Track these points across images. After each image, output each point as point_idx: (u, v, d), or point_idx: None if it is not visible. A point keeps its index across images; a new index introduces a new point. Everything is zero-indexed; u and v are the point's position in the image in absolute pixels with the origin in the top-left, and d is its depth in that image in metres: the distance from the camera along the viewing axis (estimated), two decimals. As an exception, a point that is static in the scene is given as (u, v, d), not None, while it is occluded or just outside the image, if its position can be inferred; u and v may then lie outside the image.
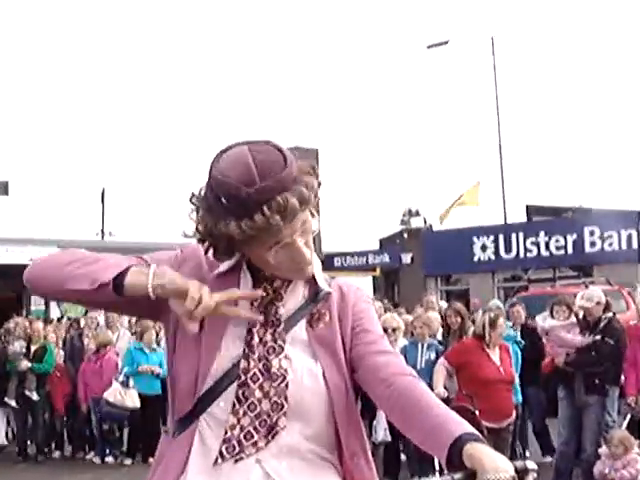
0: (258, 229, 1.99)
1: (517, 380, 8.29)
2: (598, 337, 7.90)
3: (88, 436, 12.29)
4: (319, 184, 2.12)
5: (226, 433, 2.09)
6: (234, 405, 2.10)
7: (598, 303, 8.10)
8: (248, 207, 1.97)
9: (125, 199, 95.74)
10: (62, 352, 12.71)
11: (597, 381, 7.81)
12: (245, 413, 2.10)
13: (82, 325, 13.84)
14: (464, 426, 1.95)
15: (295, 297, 2.23)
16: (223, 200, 1.99)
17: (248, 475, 2.07)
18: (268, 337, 2.15)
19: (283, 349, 2.14)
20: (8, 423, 13.03)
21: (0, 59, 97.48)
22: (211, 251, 2.13)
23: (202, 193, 2.08)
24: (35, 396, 12.15)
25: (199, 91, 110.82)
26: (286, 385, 2.10)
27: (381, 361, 2.15)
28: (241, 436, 2.09)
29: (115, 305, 2.22)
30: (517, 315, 10.29)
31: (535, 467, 1.94)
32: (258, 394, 2.10)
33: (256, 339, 2.14)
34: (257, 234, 2.00)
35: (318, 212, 2.15)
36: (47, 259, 2.18)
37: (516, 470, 1.87)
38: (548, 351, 8.48)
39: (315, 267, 2.21)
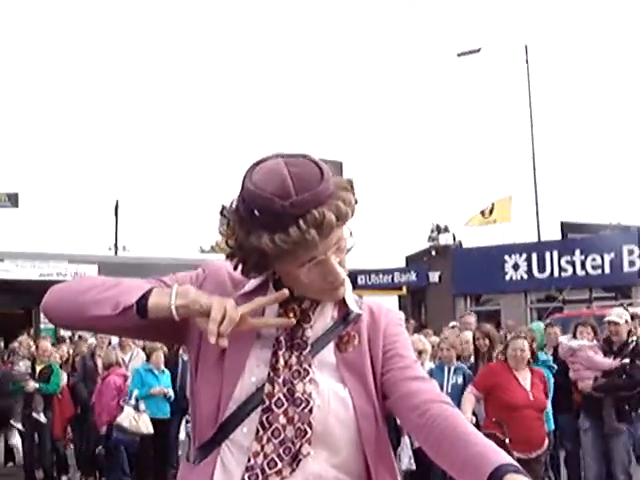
0: (292, 243, 1.97)
1: (549, 407, 8.23)
2: (627, 360, 7.83)
3: (96, 461, 12.30)
4: (356, 201, 2.10)
5: (249, 461, 2.06)
6: (258, 431, 2.07)
7: (626, 322, 8.07)
8: (283, 220, 1.96)
9: (139, 213, 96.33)
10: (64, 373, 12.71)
11: (627, 407, 7.73)
12: (269, 440, 2.06)
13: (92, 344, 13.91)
14: (504, 456, 1.90)
15: (324, 319, 2.21)
16: (256, 213, 1.98)
17: None
18: (294, 360, 2.12)
19: (309, 373, 2.11)
20: (6, 444, 13.02)
21: (11, 68, 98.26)
22: (240, 267, 2.11)
23: (234, 206, 2.07)
24: (43, 418, 12.14)
25: (218, 103, 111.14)
26: (310, 410, 2.07)
27: (414, 387, 2.12)
28: (264, 464, 2.05)
29: (139, 329, 2.18)
30: (554, 337, 10.12)
31: None
32: (282, 420, 2.07)
33: (281, 362, 2.11)
34: (291, 249, 1.98)
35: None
36: (64, 287, 2.20)
37: None
38: (572, 376, 8.33)
39: (346, 288, 2.19)
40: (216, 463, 2.11)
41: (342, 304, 2.22)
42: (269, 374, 2.10)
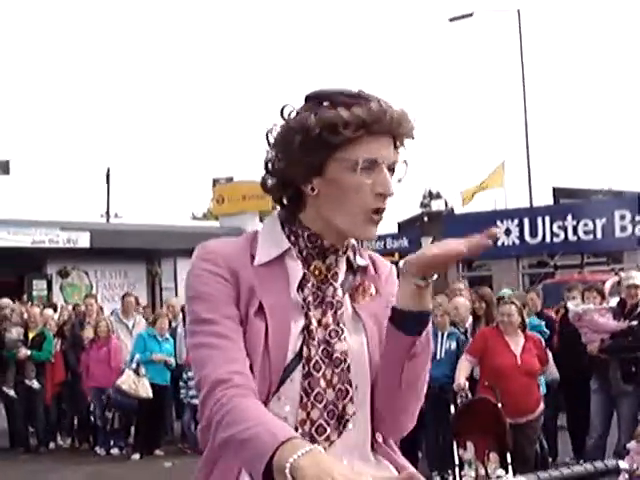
0: (370, 115, 1.95)
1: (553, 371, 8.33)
2: (635, 322, 7.86)
3: (92, 427, 12.36)
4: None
5: (297, 429, 1.97)
6: (302, 398, 2.01)
7: None
8: (360, 98, 1.99)
9: (131, 179, 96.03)
10: (58, 340, 12.74)
11: (634, 369, 7.76)
12: (313, 405, 2.00)
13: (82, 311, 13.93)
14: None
15: (341, 272, 2.15)
16: (325, 103, 1.99)
17: None
18: (330, 319, 2.06)
19: (344, 331, 2.06)
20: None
21: (2, 35, 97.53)
22: (277, 186, 2.12)
23: (292, 115, 2.05)
24: (36, 384, 12.20)
25: (212, 69, 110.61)
26: (348, 369, 2.03)
27: None
28: (313, 431, 2.00)
29: None
30: (532, 303, 10.15)
31: (626, 467, 1.94)
32: (322, 383, 2.01)
33: (314, 323, 2.04)
34: (364, 124, 1.95)
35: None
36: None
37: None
38: (583, 340, 8.36)
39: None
40: None
41: (354, 255, 2.19)
42: (304, 338, 2.03)
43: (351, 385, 2.03)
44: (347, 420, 2.02)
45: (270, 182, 2.13)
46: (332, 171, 2.00)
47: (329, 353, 2.03)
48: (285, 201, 2.14)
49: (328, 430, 2.00)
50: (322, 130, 1.96)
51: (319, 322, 2.05)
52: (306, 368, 2.01)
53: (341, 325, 2.06)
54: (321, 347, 2.03)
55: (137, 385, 11.21)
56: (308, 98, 2.04)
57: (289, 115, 2.05)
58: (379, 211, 2.03)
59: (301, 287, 2.08)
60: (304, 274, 2.09)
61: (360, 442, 2.07)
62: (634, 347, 7.75)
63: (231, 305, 2.04)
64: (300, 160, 2.00)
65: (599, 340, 7.96)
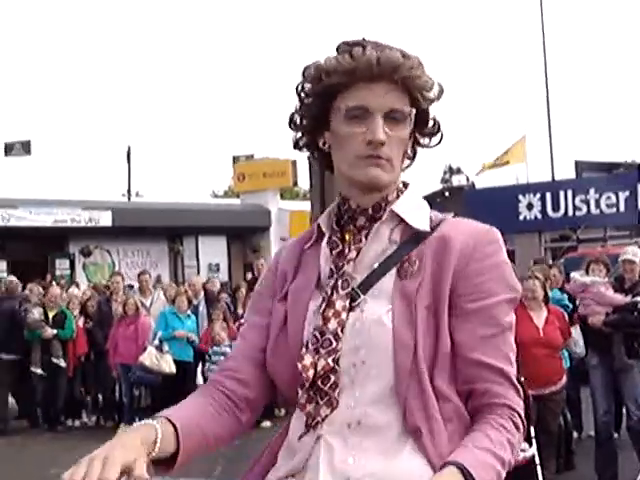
0: (348, 62, 1.90)
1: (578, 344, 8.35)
2: (639, 298, 7.82)
3: (117, 404, 12.45)
4: (437, 126, 2.06)
5: (300, 410, 1.96)
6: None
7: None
8: (353, 44, 1.94)
9: (152, 158, 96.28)
10: (82, 317, 12.92)
11: (636, 344, 7.75)
12: (303, 384, 1.93)
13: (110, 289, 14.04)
14: (463, 457, 1.76)
15: (380, 240, 1.98)
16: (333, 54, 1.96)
17: (311, 450, 1.92)
18: (342, 293, 1.95)
19: (350, 307, 1.93)
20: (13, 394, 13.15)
21: (23, 13, 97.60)
22: (298, 134, 2.07)
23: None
24: (63, 363, 12.33)
25: (235, 45, 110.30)
26: (334, 351, 1.90)
27: (476, 376, 1.90)
28: (312, 411, 1.93)
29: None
30: (553, 279, 10.14)
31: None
32: (308, 362, 1.92)
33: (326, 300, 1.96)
34: (346, 72, 1.91)
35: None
36: None
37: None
38: (581, 311, 8.33)
39: (406, 199, 2.02)
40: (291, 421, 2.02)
41: (406, 224, 1.98)
42: (322, 310, 1.95)
43: (334, 372, 1.90)
44: (329, 398, 1.90)
45: (299, 139, 2.09)
46: (333, 123, 1.98)
47: (322, 333, 1.92)
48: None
49: (318, 408, 1.91)
50: (312, 81, 1.97)
51: (329, 299, 1.95)
52: (305, 349, 1.94)
53: (346, 302, 1.94)
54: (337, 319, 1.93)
55: (159, 361, 11.34)
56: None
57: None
58: (372, 157, 1.93)
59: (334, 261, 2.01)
60: (331, 244, 2.02)
61: (354, 421, 1.90)
62: (639, 323, 7.74)
63: (266, 299, 2.10)
64: (309, 113, 2.02)
65: (604, 313, 7.91)
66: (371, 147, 1.92)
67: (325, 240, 2.03)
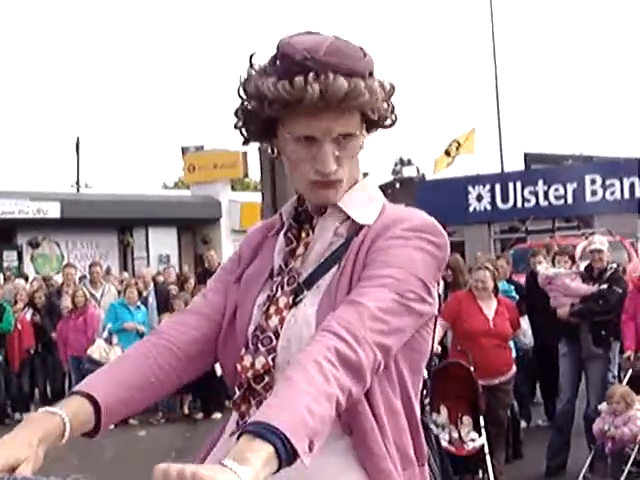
0: (290, 94, 1.80)
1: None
2: (604, 286, 7.92)
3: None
4: (392, 108, 1.98)
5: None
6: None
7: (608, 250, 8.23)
8: (295, 70, 1.81)
9: (101, 149, 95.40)
10: (29, 310, 12.77)
11: (603, 332, 7.84)
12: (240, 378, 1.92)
13: (59, 282, 13.97)
14: (269, 415, 1.52)
15: (325, 234, 1.97)
16: (277, 61, 1.86)
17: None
18: (286, 290, 1.94)
19: (290, 305, 1.92)
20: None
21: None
22: (244, 133, 1.98)
23: (264, 64, 1.92)
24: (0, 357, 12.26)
25: (183, 36, 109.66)
26: (273, 349, 1.88)
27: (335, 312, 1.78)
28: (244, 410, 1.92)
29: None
30: (501, 270, 10.23)
31: None
32: (247, 362, 1.91)
33: (277, 295, 1.95)
34: (288, 100, 1.82)
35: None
36: None
37: None
38: (552, 303, 8.42)
39: (354, 196, 1.96)
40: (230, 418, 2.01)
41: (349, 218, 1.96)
42: (265, 307, 1.95)
43: (264, 362, 1.88)
44: (261, 399, 1.86)
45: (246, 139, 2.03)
46: (280, 139, 1.93)
47: (263, 330, 1.92)
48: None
49: (249, 407, 1.90)
50: (253, 101, 1.89)
51: (273, 296, 1.95)
52: (244, 350, 1.92)
53: (277, 299, 1.93)
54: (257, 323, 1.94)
55: (108, 354, 11.29)
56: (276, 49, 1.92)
57: (254, 67, 1.94)
58: (323, 183, 1.91)
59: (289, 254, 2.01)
60: (286, 240, 2.02)
61: None
62: (605, 311, 7.81)
63: (228, 274, 2.11)
64: (254, 124, 1.96)
65: (569, 304, 8.00)
66: (319, 175, 1.89)
67: (283, 232, 2.03)
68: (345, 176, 1.92)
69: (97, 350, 11.36)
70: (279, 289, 1.94)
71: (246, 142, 2.04)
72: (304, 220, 2.01)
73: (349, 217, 1.95)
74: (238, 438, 1.50)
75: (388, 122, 2.00)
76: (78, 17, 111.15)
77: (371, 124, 1.96)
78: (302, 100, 1.81)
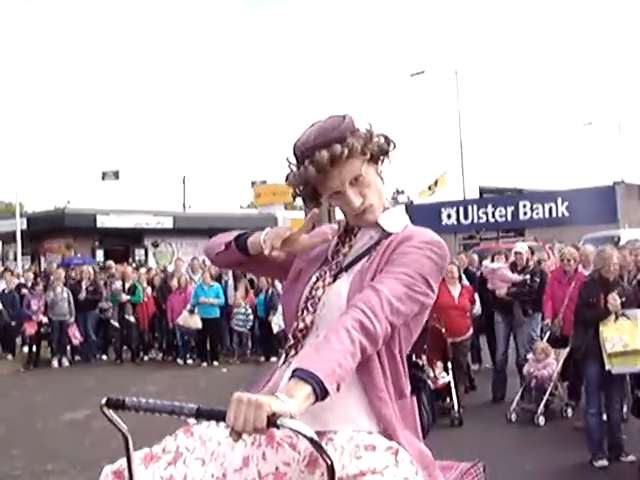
0: (303, 178, 1.82)
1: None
2: (528, 276, 8.03)
3: (174, 345, 12.40)
4: (386, 141, 1.87)
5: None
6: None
7: (526, 252, 8.47)
8: (299, 160, 1.83)
9: (198, 181, 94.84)
10: (149, 288, 12.82)
11: (528, 307, 7.91)
12: (294, 333, 1.85)
13: (170, 270, 14.12)
14: (310, 362, 1.53)
15: (363, 238, 1.91)
16: (305, 162, 1.83)
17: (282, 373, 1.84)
18: (327, 274, 1.88)
19: (329, 282, 1.86)
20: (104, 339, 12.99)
21: None
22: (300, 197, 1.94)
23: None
24: (132, 319, 12.38)
25: (253, 87, 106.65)
26: (314, 309, 1.84)
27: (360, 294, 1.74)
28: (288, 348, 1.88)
29: (248, 264, 2.02)
30: (461, 262, 10.26)
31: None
32: (301, 323, 1.84)
33: (317, 275, 1.91)
34: (308, 181, 1.82)
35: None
36: (210, 241, 2.09)
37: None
38: (489, 287, 8.44)
39: (386, 215, 1.90)
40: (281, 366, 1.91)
41: (384, 229, 1.90)
42: (315, 282, 1.88)
43: (310, 320, 1.83)
44: (301, 345, 1.84)
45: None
46: (324, 197, 1.90)
47: (312, 296, 1.86)
48: None
49: (291, 349, 1.85)
50: (295, 184, 1.90)
51: (322, 275, 1.89)
52: (305, 310, 1.87)
53: (329, 279, 1.87)
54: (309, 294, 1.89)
55: (189, 320, 11.51)
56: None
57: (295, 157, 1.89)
58: (360, 214, 1.87)
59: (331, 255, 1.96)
60: (337, 242, 1.97)
61: None
62: (530, 292, 7.90)
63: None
64: (303, 192, 1.93)
65: (506, 287, 8.11)
66: (355, 211, 1.86)
67: (337, 235, 1.97)
68: (374, 200, 1.87)
69: (182, 319, 11.58)
70: (327, 272, 1.89)
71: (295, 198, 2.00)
72: (350, 230, 1.96)
73: (382, 228, 1.90)
74: (290, 379, 1.51)
75: (390, 148, 1.91)
76: (160, 58, 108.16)
77: (373, 157, 1.87)
78: (313, 178, 1.81)
